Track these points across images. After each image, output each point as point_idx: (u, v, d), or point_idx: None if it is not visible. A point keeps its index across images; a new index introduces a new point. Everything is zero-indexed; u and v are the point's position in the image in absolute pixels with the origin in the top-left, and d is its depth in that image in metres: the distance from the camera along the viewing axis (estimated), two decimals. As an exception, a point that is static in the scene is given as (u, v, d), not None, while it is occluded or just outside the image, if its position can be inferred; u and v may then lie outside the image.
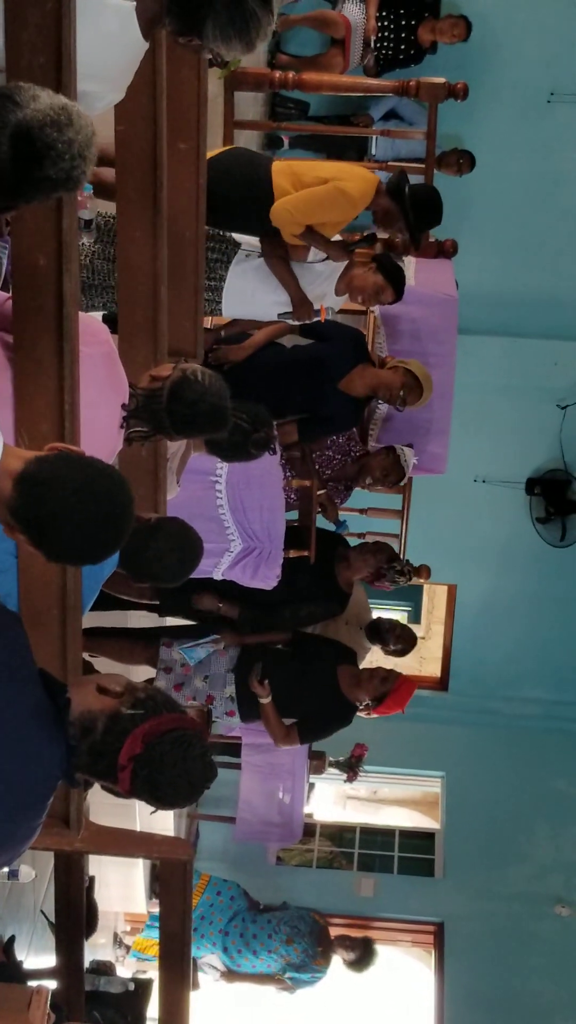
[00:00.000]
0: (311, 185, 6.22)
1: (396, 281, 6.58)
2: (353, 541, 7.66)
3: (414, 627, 14.63)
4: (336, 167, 6.52)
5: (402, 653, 7.54)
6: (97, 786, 2.99)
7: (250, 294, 6.46)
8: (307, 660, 6.91)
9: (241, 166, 6.36)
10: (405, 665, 13.88)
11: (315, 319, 6.56)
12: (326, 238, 6.29)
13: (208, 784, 2.94)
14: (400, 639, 7.45)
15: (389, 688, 6.89)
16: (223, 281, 6.38)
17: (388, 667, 7.14)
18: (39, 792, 2.86)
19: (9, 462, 2.86)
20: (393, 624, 7.57)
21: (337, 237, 6.45)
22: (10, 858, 2.92)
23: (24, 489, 2.82)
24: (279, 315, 6.58)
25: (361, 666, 7.27)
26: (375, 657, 8.00)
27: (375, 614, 7.81)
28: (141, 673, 6.90)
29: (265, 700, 6.70)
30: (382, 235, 7.27)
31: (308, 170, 6.40)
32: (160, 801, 2.90)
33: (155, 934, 9.01)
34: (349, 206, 6.22)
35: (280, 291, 6.43)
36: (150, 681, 6.62)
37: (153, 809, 2.93)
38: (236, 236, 6.43)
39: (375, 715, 7.07)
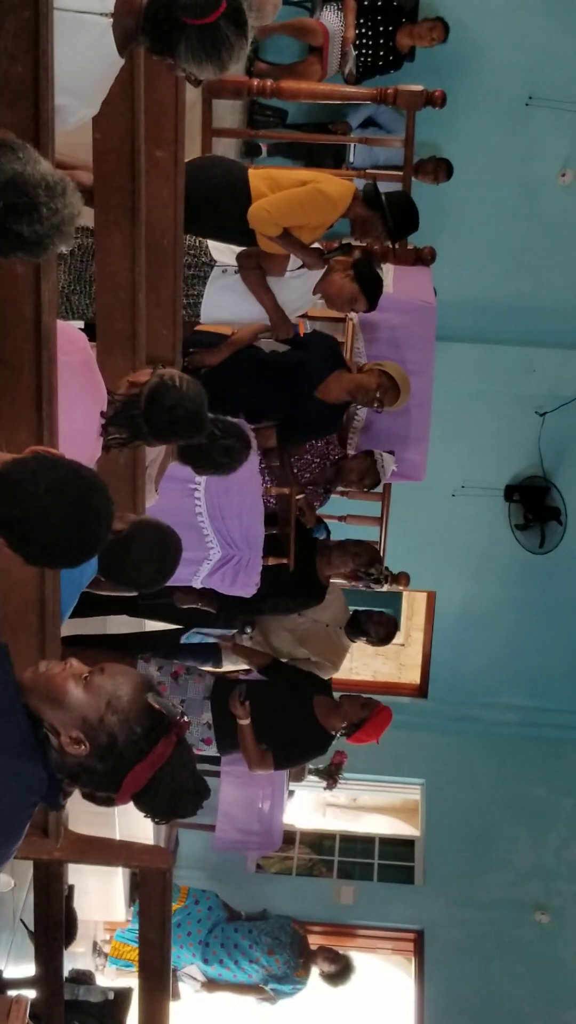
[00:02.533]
0: (288, 187, 6.22)
1: (371, 291, 6.60)
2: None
3: (393, 634, 14.66)
4: (313, 173, 6.53)
5: (386, 639, 7.55)
6: (76, 795, 2.98)
7: (228, 310, 6.46)
8: (284, 688, 6.93)
9: (217, 171, 6.37)
10: (384, 672, 13.94)
11: (293, 334, 6.56)
12: (303, 243, 6.29)
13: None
14: (380, 625, 7.47)
15: (368, 715, 6.90)
16: (200, 297, 6.38)
17: (363, 696, 7.15)
18: (19, 816, 2.85)
19: None
20: (370, 613, 7.58)
21: (316, 245, 6.45)
22: None
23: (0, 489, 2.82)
24: (260, 336, 6.61)
25: (341, 674, 7.27)
26: (358, 660, 7.99)
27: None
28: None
29: (244, 721, 6.69)
30: (358, 244, 7.26)
31: (286, 174, 6.42)
32: (177, 812, 2.90)
33: (131, 939, 9.03)
34: (329, 207, 6.23)
35: (258, 306, 6.44)
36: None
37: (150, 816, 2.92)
38: (213, 252, 6.43)
39: (350, 743, 7.09)
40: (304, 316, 7.59)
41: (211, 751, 7.07)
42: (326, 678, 7.30)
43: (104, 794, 2.86)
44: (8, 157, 2.86)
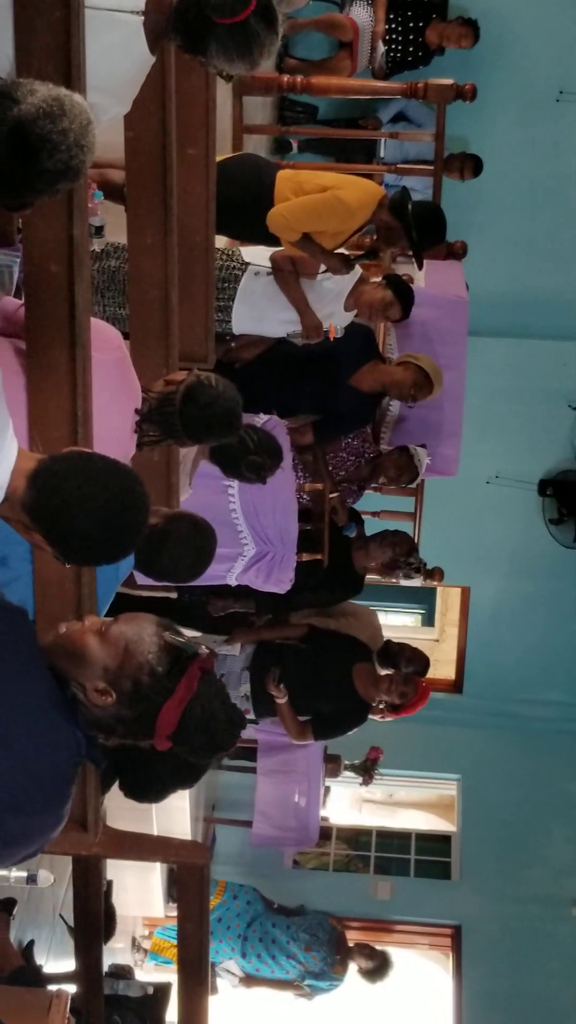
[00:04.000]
0: (311, 193, 6.23)
1: (404, 298, 6.61)
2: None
3: (427, 630, 14.69)
4: (339, 177, 6.51)
5: (417, 676, 7.52)
6: (114, 790, 2.99)
7: (259, 313, 6.47)
8: (323, 658, 6.93)
9: (247, 172, 6.38)
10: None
11: (324, 338, 6.57)
12: (323, 248, 6.28)
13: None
14: (412, 660, 7.47)
15: (412, 691, 6.92)
16: (232, 300, 6.39)
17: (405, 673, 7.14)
18: (63, 778, 2.88)
19: (23, 463, 2.88)
20: (403, 647, 7.57)
21: (342, 250, 6.45)
22: (39, 847, 2.93)
23: (37, 484, 2.84)
24: (288, 335, 6.61)
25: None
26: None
27: (387, 628, 7.82)
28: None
29: (282, 701, 6.72)
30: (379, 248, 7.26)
31: (311, 178, 6.40)
32: (215, 744, 2.91)
33: (171, 935, 9.05)
34: (346, 215, 6.21)
35: (289, 309, 6.44)
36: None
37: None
38: (244, 255, 6.44)
39: (390, 718, 7.09)
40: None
41: (248, 734, 7.10)
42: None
43: (144, 742, 2.88)
44: (4, 105, 2.89)
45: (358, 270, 6.60)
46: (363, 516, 8.11)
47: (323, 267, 6.36)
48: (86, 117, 2.95)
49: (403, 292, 6.63)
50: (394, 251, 7.15)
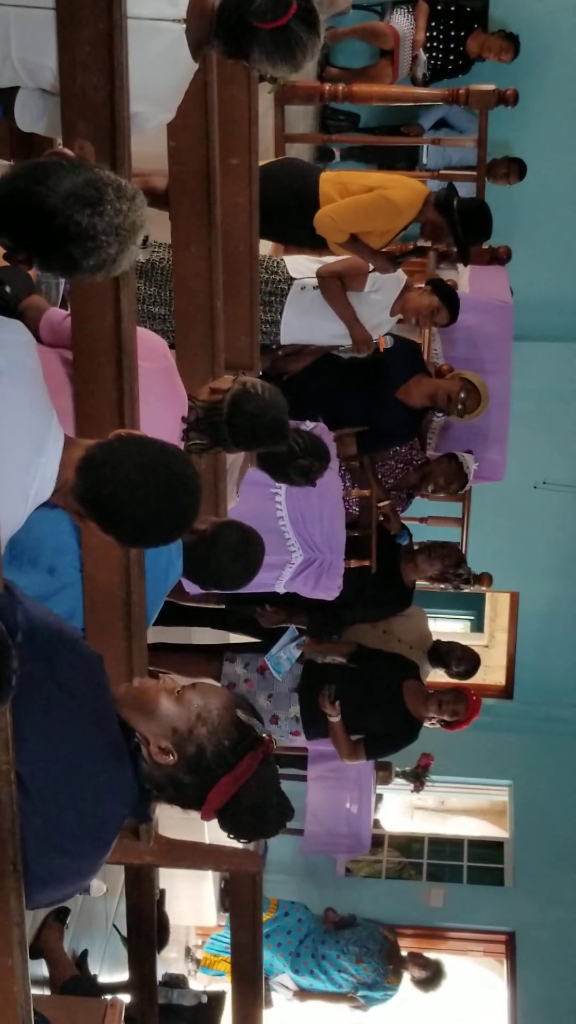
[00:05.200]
0: (356, 194, 6.24)
1: (451, 302, 6.61)
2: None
3: (477, 635, 14.63)
4: (385, 177, 6.53)
5: (466, 675, 7.50)
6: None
7: (308, 327, 6.48)
8: (372, 677, 6.92)
9: (290, 175, 6.41)
10: (469, 674, 13.85)
11: (374, 350, 6.58)
12: (370, 248, 6.30)
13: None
14: (462, 660, 7.43)
15: (463, 710, 6.89)
16: (279, 315, 6.40)
17: (455, 689, 7.11)
18: (113, 827, 2.87)
19: (72, 452, 2.89)
20: (453, 646, 7.54)
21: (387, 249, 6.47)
22: (70, 893, 2.94)
23: (87, 472, 2.86)
24: (340, 350, 6.62)
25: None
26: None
27: (435, 635, 7.78)
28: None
29: (335, 719, 6.71)
30: (426, 245, 7.26)
31: (356, 179, 6.42)
32: (261, 830, 2.92)
33: (220, 948, 9.07)
34: (394, 214, 6.23)
35: (337, 322, 6.46)
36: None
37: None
38: (291, 270, 6.45)
39: (446, 730, 7.08)
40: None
41: (298, 743, 7.09)
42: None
43: (189, 809, 2.87)
44: (87, 166, 2.88)
45: (403, 276, 6.60)
46: (411, 522, 8.10)
47: (370, 268, 6.36)
48: (141, 222, 2.88)
49: (449, 297, 6.62)
50: (439, 249, 7.11)
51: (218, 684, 2.98)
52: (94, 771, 2.78)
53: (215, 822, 2.89)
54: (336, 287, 6.37)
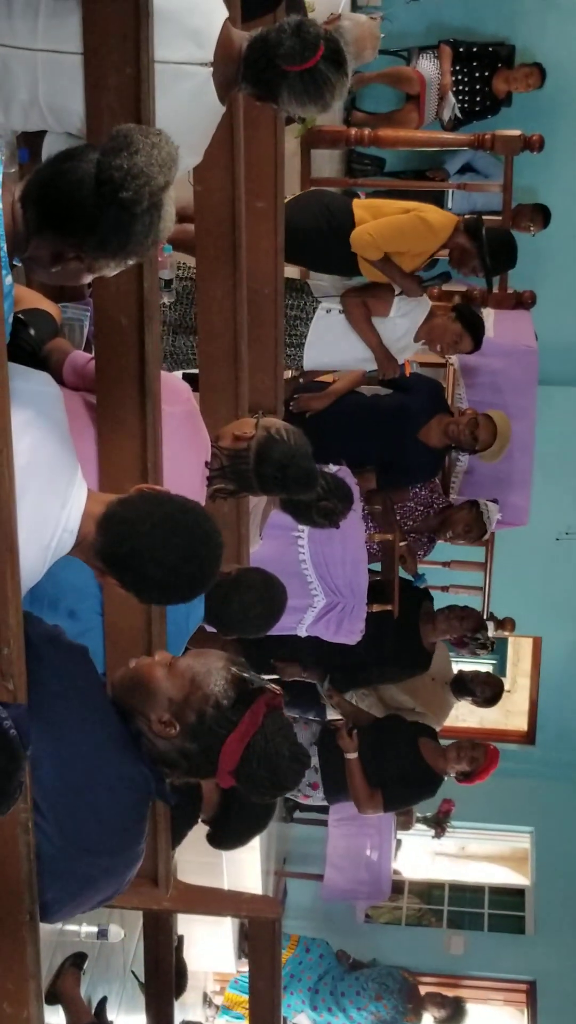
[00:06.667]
0: (391, 215, 6.29)
1: (475, 330, 6.61)
2: (435, 594, 7.61)
3: (499, 680, 14.53)
4: (417, 203, 6.58)
5: (492, 701, 7.49)
6: (185, 844, 2.98)
7: (332, 350, 6.49)
8: (388, 733, 6.89)
9: (320, 201, 6.52)
10: (491, 719, 13.80)
11: (399, 373, 6.59)
12: (402, 269, 6.34)
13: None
14: (487, 686, 7.40)
15: (481, 756, 6.85)
16: (304, 338, 6.42)
17: (471, 739, 7.08)
18: (136, 816, 2.88)
19: (92, 507, 2.89)
20: (476, 673, 7.52)
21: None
22: (119, 887, 2.92)
23: (107, 529, 2.85)
24: (366, 373, 6.63)
25: (447, 721, 7.22)
26: (464, 707, 7.93)
27: (456, 669, 7.75)
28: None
29: (352, 755, 6.66)
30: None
31: (388, 203, 6.52)
32: (278, 781, 2.87)
33: (244, 989, 9.00)
34: (430, 235, 6.31)
35: (362, 346, 6.47)
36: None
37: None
38: (314, 290, 6.47)
39: (466, 784, 7.04)
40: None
41: (318, 796, 7.04)
42: (430, 728, 7.25)
43: (206, 777, 2.88)
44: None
45: (428, 302, 6.61)
46: (434, 566, 8.07)
47: (397, 291, 6.38)
48: (165, 180, 2.80)
49: (473, 324, 6.61)
50: (467, 273, 7.12)
51: (209, 649, 2.92)
52: (104, 770, 2.79)
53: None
54: (360, 312, 6.40)
